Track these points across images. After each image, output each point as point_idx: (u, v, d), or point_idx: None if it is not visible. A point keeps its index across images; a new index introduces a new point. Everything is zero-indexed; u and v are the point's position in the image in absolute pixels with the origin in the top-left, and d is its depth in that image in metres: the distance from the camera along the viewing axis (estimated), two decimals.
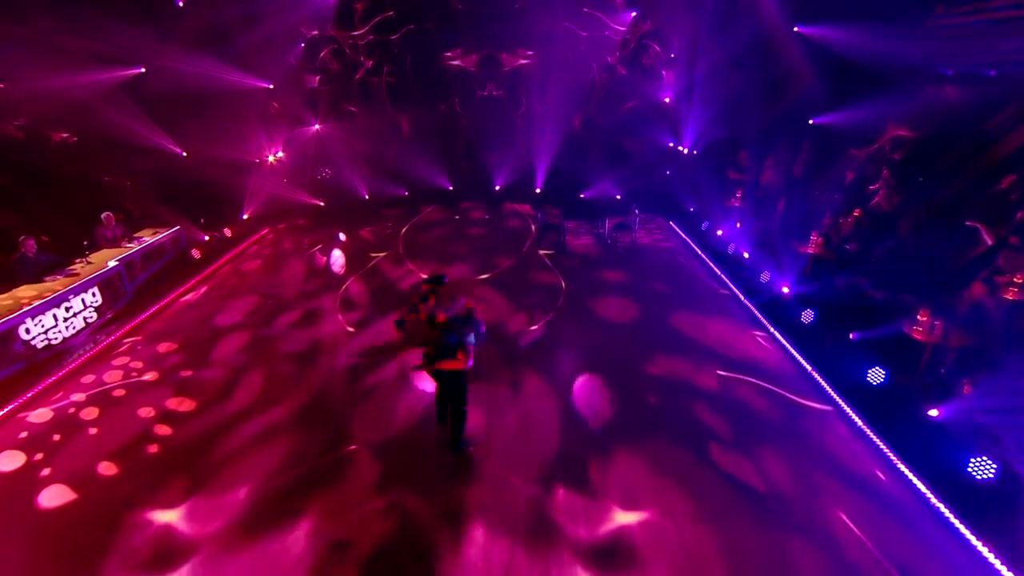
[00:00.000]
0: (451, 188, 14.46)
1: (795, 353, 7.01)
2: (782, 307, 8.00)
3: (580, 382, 6.57)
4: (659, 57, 15.07)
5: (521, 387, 6.48)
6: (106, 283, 8.18)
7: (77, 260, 8.30)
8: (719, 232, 10.75)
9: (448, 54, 15.46)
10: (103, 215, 9.09)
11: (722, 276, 9.40)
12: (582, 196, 13.45)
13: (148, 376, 6.88)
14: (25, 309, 6.94)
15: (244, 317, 8.38)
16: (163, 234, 9.72)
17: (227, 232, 11.03)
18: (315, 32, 14.61)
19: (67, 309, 7.51)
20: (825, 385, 6.32)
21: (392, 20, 15.16)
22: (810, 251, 8.66)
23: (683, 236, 11.53)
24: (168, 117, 11.53)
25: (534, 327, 7.90)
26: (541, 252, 10.74)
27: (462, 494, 4.92)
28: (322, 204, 13.13)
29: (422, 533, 4.53)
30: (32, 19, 10.37)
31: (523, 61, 15.55)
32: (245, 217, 12.07)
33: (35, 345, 7.04)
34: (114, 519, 4.66)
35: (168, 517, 4.71)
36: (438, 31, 15.17)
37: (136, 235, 9.43)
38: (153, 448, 5.56)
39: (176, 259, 9.76)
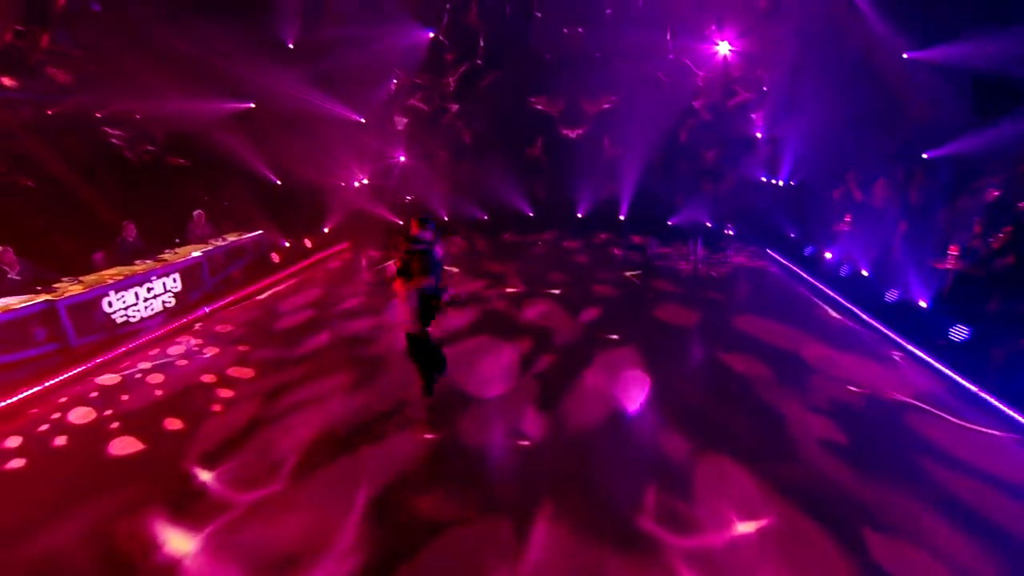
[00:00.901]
0: (531, 215, 14.36)
1: (950, 373, 5.62)
2: (921, 325, 6.62)
3: (681, 393, 5.59)
4: (748, 100, 14.51)
5: (606, 391, 5.60)
6: (188, 271, 8.34)
7: (166, 250, 8.61)
8: (828, 255, 9.53)
9: (532, 99, 15.74)
10: (195, 212, 9.52)
11: (839, 299, 8.13)
12: (670, 223, 12.79)
13: (210, 351, 6.72)
14: (110, 283, 7.10)
15: (309, 305, 8.46)
16: (247, 236, 10.01)
17: (307, 243, 11.26)
18: (406, 78, 15.45)
19: (149, 290, 7.63)
20: (1006, 408, 4.90)
21: (480, 68, 15.74)
22: (949, 266, 7.29)
23: (784, 262, 10.40)
24: (269, 141, 12.37)
25: (615, 336, 7.04)
26: (628, 274, 10.09)
27: (532, 490, 4.03)
28: (401, 223, 13.31)
29: (485, 531, 3.66)
30: (165, 52, 11.64)
31: (606, 106, 15.48)
32: (326, 231, 12.39)
33: (115, 319, 7.11)
34: (175, 469, 4.41)
35: (218, 473, 4.34)
36: (524, 79, 15.52)
37: (223, 235, 9.78)
38: (216, 407, 5.37)
39: (256, 261, 9.95)
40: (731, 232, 10.49)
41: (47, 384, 5.80)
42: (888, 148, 10.79)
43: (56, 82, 10.46)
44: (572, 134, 15.66)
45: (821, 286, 8.72)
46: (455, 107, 15.95)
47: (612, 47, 14.75)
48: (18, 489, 4.25)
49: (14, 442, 4.80)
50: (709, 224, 12.24)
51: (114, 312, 7.11)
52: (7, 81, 9.54)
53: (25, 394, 5.57)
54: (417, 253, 4.95)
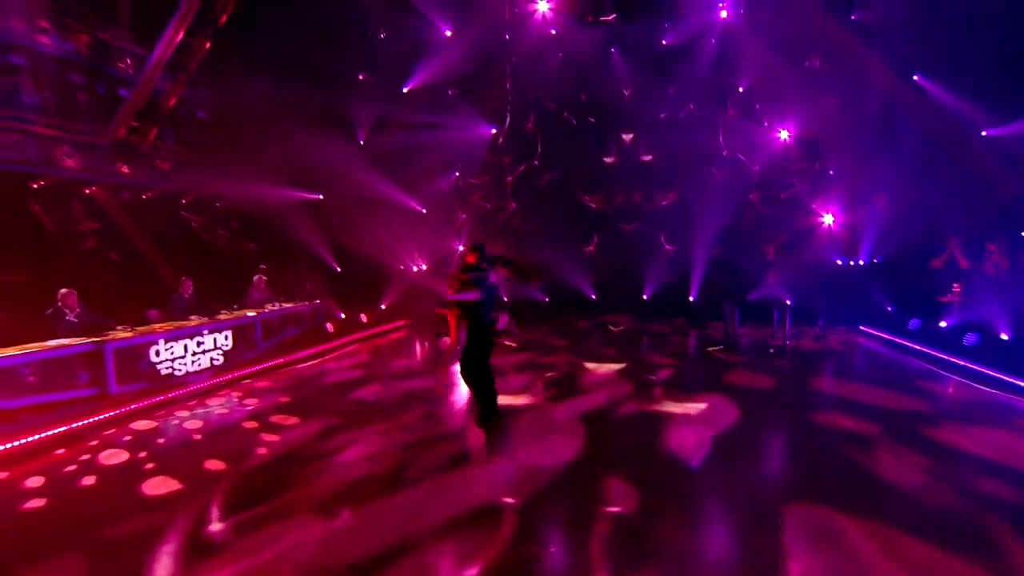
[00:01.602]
0: (594, 298, 14.02)
1: None
2: None
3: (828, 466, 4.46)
4: (807, 189, 14.15)
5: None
6: (240, 331, 8.05)
7: (223, 311, 8.45)
8: (942, 324, 8.27)
9: (587, 198, 15.97)
10: (255, 277, 9.51)
11: (977, 369, 6.79)
12: (748, 298, 11.90)
13: (251, 403, 6.13)
14: (159, 332, 6.85)
15: (359, 366, 8.07)
16: (303, 304, 9.85)
17: (363, 318, 10.97)
18: (467, 178, 16.16)
19: (198, 344, 7.32)
20: None
21: (537, 169, 16.31)
22: None
23: (886, 337, 9.16)
24: (334, 223, 12.83)
25: (702, 404, 5.96)
26: (711, 349, 9.28)
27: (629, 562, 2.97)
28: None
29: None
30: (253, 151, 12.70)
31: (663, 203, 15.45)
32: (383, 307, 12.18)
33: (159, 370, 6.73)
34: (209, 508, 3.76)
35: (254, 515, 3.62)
36: (580, 179, 15.90)
37: (280, 301, 9.65)
38: (262, 450, 4.82)
39: (310, 329, 9.66)
40: (820, 308, 9.49)
41: (74, 425, 5.29)
42: (983, 217, 9.88)
43: (156, 170, 11.46)
44: (628, 228, 15.50)
45: (948, 358, 7.38)
46: (512, 205, 16.30)
47: (665, 148, 14.99)
48: (33, 523, 3.65)
49: (36, 481, 4.22)
50: (789, 302, 11.24)
51: (160, 362, 6.74)
52: (123, 168, 10.42)
53: (48, 433, 5.07)
54: (470, 280, 5.15)
